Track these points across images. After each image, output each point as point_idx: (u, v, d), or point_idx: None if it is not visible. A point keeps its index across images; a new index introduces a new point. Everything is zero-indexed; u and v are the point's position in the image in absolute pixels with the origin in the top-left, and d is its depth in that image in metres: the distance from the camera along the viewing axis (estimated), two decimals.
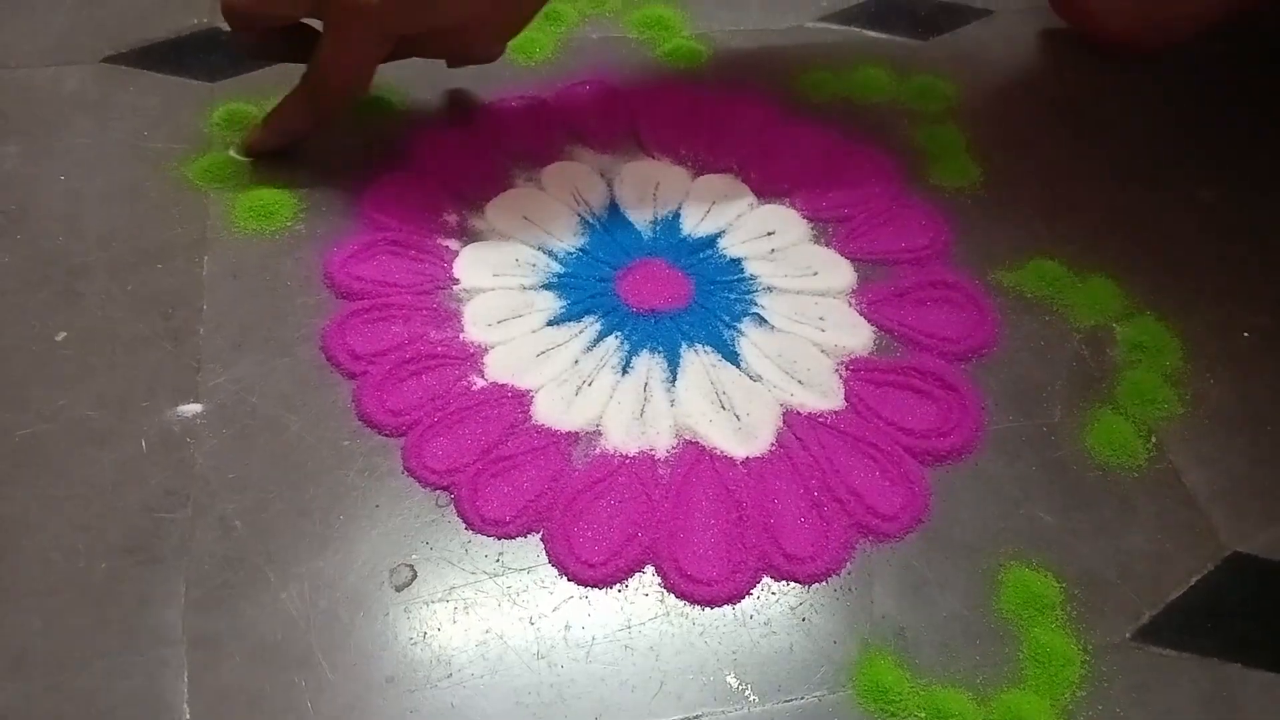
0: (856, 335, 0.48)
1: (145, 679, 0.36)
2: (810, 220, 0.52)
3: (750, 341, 0.47)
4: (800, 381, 0.46)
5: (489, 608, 0.39)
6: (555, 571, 0.40)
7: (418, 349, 0.45)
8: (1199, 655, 0.39)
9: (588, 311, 0.48)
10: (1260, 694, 0.39)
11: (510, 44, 0.60)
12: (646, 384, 0.45)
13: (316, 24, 0.49)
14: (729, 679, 0.38)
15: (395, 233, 0.50)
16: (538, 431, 0.43)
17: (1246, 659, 0.39)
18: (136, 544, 0.39)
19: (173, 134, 0.54)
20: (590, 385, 0.45)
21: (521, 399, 0.44)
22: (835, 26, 0.63)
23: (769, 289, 0.49)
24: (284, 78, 0.52)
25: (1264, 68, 0.63)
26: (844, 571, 0.41)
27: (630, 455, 0.43)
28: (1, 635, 0.37)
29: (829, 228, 0.52)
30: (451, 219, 0.51)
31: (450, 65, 0.54)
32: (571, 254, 0.50)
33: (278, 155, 0.52)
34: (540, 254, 0.50)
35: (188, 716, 0.36)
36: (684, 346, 0.47)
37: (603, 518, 0.41)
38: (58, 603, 0.38)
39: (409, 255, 0.49)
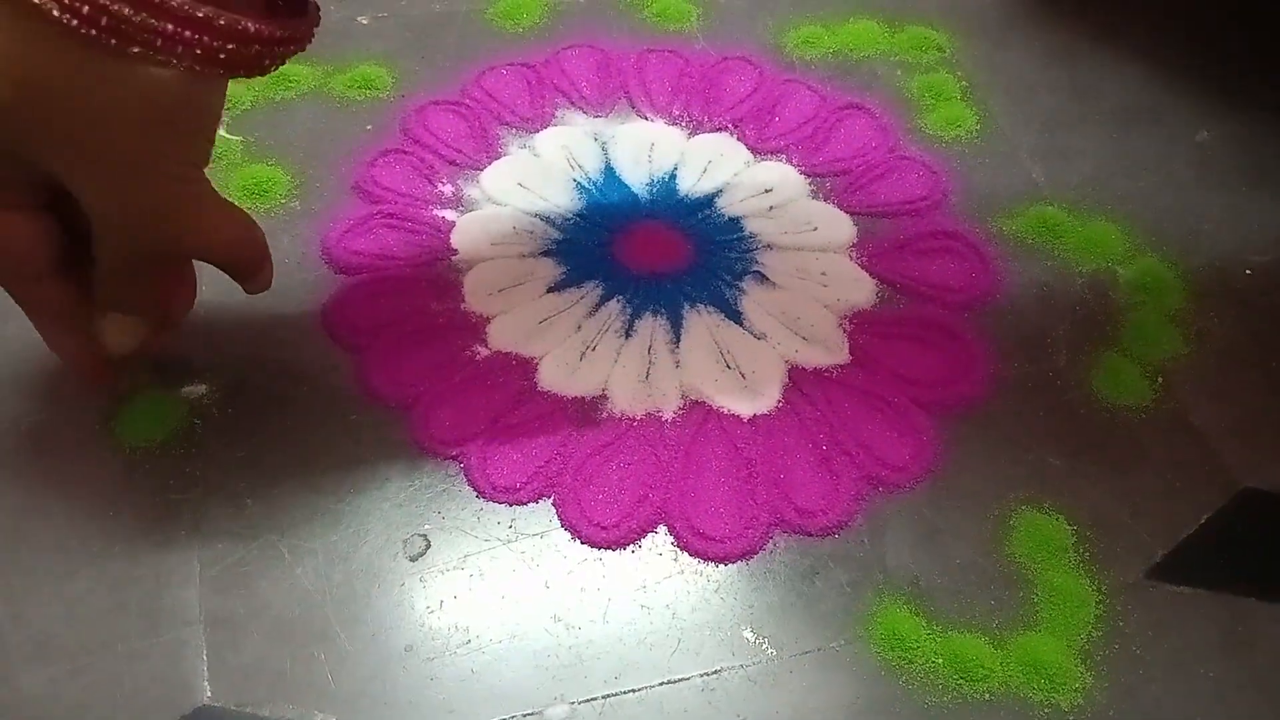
0: (859, 289, 0.48)
1: (166, 660, 0.37)
2: (808, 176, 0.52)
3: (753, 300, 0.47)
4: (804, 337, 0.46)
5: (504, 573, 0.39)
6: (568, 535, 0.40)
7: (420, 321, 0.45)
8: (1213, 591, 0.40)
9: (588, 276, 0.47)
10: (1275, 627, 0.39)
11: (499, 10, 0.59)
12: (651, 346, 0.45)
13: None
14: (746, 633, 0.38)
15: (391, 206, 0.50)
16: (544, 398, 0.43)
17: (1261, 592, 0.40)
18: (150, 526, 0.40)
19: None
20: (594, 350, 0.45)
21: (526, 366, 0.44)
22: None
23: (769, 246, 0.49)
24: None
25: (1257, 9, 0.62)
26: (856, 523, 0.41)
27: (637, 418, 0.43)
28: (24, 622, 0.37)
29: (827, 182, 0.52)
30: (446, 189, 0.51)
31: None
32: (569, 219, 0.50)
33: (266, 137, 0.52)
34: (537, 221, 0.50)
35: (209, 695, 0.36)
36: (686, 307, 0.47)
37: (613, 480, 0.41)
38: (76, 588, 0.38)
39: (405, 228, 0.49)
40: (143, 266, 0.37)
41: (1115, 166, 0.54)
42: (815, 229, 0.50)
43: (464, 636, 0.37)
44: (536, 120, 0.54)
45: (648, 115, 0.54)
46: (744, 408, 0.43)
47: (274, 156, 0.52)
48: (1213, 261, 0.50)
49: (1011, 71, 0.58)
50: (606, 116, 0.54)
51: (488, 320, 0.46)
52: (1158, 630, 0.38)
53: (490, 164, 0.52)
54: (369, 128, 0.53)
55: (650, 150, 0.53)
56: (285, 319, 0.46)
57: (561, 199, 0.50)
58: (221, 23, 0.32)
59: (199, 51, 0.32)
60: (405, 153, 0.52)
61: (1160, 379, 0.45)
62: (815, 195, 0.52)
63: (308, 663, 0.37)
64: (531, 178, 0.51)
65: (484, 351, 0.45)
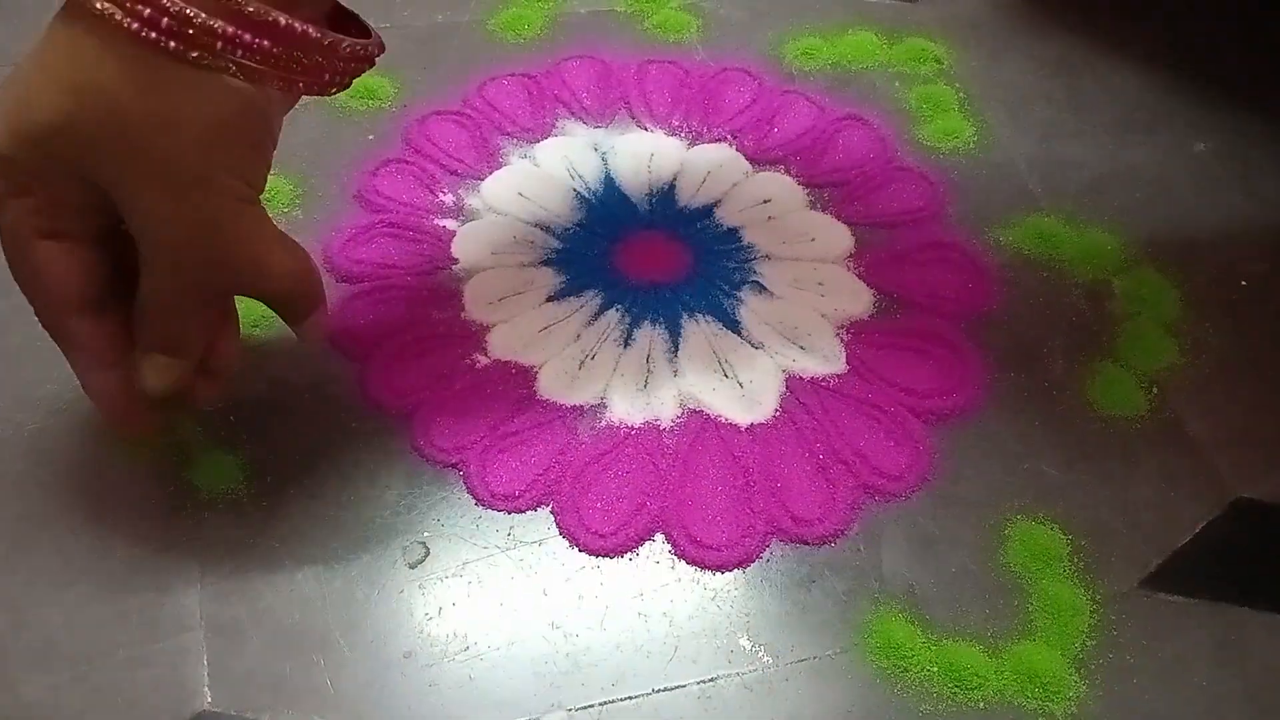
0: (856, 299, 0.48)
1: (167, 666, 0.37)
2: (806, 186, 0.53)
3: (750, 309, 0.47)
4: (802, 347, 0.46)
5: (502, 581, 0.39)
6: (566, 543, 0.40)
7: (420, 330, 0.46)
8: (1207, 601, 0.40)
9: (588, 286, 0.48)
10: (1269, 636, 0.39)
11: (500, 21, 0.60)
12: (649, 355, 0.45)
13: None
14: (742, 641, 0.38)
15: (392, 215, 0.50)
16: (543, 406, 0.44)
17: (1255, 602, 0.40)
18: (151, 534, 0.40)
19: None
20: (593, 359, 0.45)
21: (526, 375, 0.45)
22: None
23: (767, 256, 0.49)
24: None
25: (1252, 19, 0.63)
26: (852, 532, 0.41)
27: (636, 426, 0.43)
28: (25, 629, 0.37)
29: (825, 193, 0.52)
30: (448, 199, 0.51)
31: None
32: (569, 229, 0.50)
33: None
34: (538, 230, 0.50)
35: (209, 701, 0.36)
36: (685, 317, 0.47)
37: (611, 488, 0.41)
38: (77, 595, 0.38)
39: (407, 237, 0.49)
40: (191, 299, 0.35)
41: (1112, 177, 0.54)
42: (813, 239, 0.50)
43: (463, 643, 0.38)
44: (537, 130, 0.54)
45: (647, 126, 0.55)
46: (741, 417, 0.44)
47: (276, 165, 0.51)
48: (1209, 272, 0.50)
49: (1009, 83, 0.58)
50: (606, 127, 0.55)
51: (488, 329, 0.46)
52: (1152, 640, 0.39)
53: (491, 174, 0.52)
54: (371, 137, 0.54)
55: (650, 160, 0.53)
56: (286, 327, 0.46)
57: (561, 209, 0.51)
58: (282, 23, 0.32)
59: (259, 58, 0.32)
60: (407, 162, 0.52)
61: (1155, 389, 0.46)
62: (813, 206, 0.52)
63: (308, 669, 0.37)
64: (532, 187, 0.52)
65: (484, 360, 0.45)
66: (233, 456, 0.42)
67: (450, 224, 0.50)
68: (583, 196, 0.51)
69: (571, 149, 0.53)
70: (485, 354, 0.45)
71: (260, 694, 0.36)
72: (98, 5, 0.31)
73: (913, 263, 0.50)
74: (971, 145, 0.55)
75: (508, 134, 0.54)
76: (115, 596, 0.38)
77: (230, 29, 0.31)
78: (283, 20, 0.32)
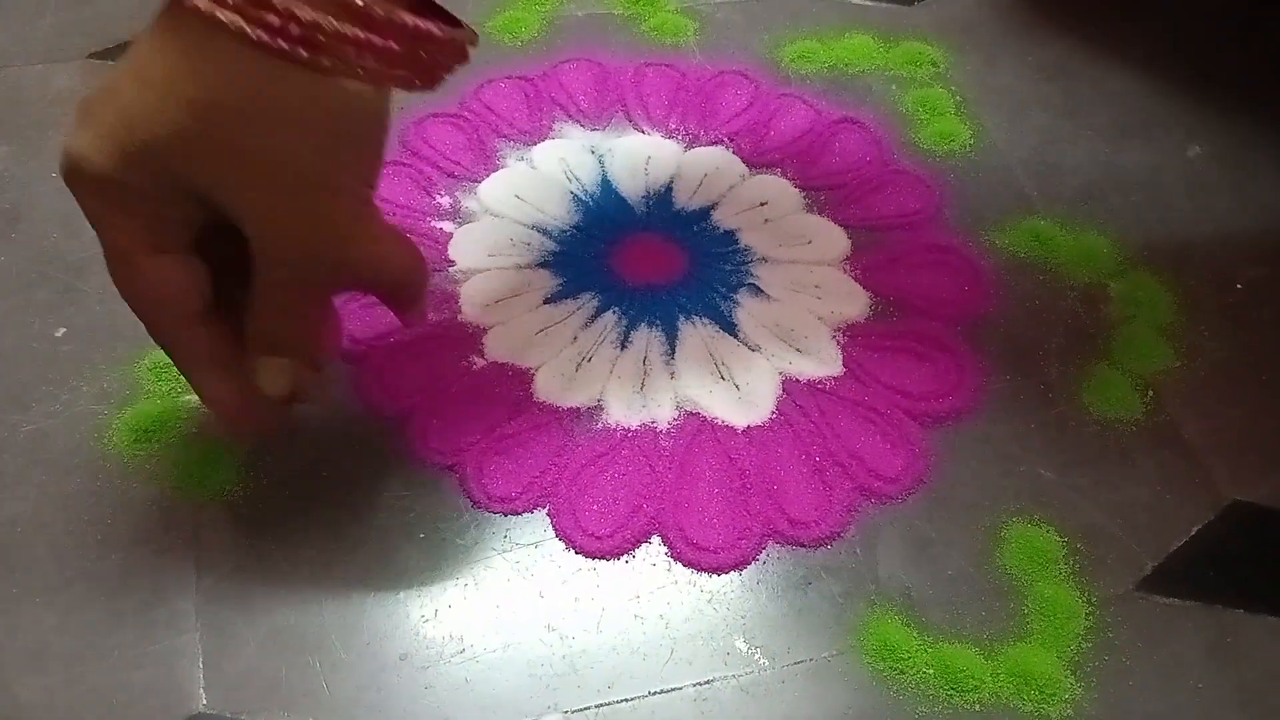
0: (852, 302, 0.48)
1: (162, 668, 0.37)
2: (802, 189, 0.53)
3: (747, 312, 0.47)
4: (798, 349, 0.46)
5: (498, 583, 0.39)
6: (562, 545, 0.40)
7: (417, 332, 0.46)
8: (1202, 603, 0.40)
9: (584, 288, 0.48)
10: (1264, 639, 0.39)
11: (498, 24, 0.60)
12: (646, 357, 0.45)
13: None
14: (738, 643, 0.38)
15: (389, 217, 0.50)
16: (540, 409, 0.44)
17: (1249, 605, 0.40)
18: (147, 535, 0.40)
19: None
20: (590, 361, 0.45)
21: (522, 377, 0.45)
22: None
23: (764, 259, 0.49)
24: None
25: (1247, 24, 0.63)
26: (848, 534, 0.41)
27: (632, 428, 0.43)
28: (20, 631, 0.37)
29: (821, 196, 0.52)
30: (444, 201, 0.51)
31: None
32: (566, 231, 0.50)
33: None
34: (534, 233, 0.50)
35: (205, 703, 0.36)
36: (681, 319, 0.47)
37: (607, 491, 0.41)
38: (72, 596, 0.38)
39: None
40: (304, 299, 0.34)
41: (1107, 181, 0.54)
42: (809, 242, 0.50)
43: (458, 645, 0.38)
44: (534, 133, 0.54)
45: (644, 128, 0.55)
46: (738, 419, 0.44)
47: None
48: (1204, 276, 0.50)
49: (1005, 87, 0.59)
50: (604, 129, 0.55)
51: (484, 331, 0.46)
52: (1147, 642, 0.39)
53: (488, 176, 0.52)
54: None
55: (646, 163, 0.53)
56: None
57: (558, 211, 0.51)
58: (409, 24, 0.31)
59: (386, 60, 0.31)
60: (404, 165, 0.52)
61: (1151, 392, 0.46)
62: (810, 208, 0.52)
63: (303, 671, 0.37)
64: (529, 190, 0.52)
65: (480, 362, 0.45)
66: (229, 458, 0.42)
67: (447, 226, 0.50)
68: (580, 199, 0.51)
69: (568, 151, 0.53)
70: (482, 356, 0.45)
71: (255, 696, 0.36)
72: (219, 14, 0.29)
73: (909, 265, 0.50)
74: (968, 148, 0.55)
75: (505, 136, 0.54)
76: (110, 598, 0.38)
77: (362, 34, 0.30)
78: (409, 21, 0.31)
